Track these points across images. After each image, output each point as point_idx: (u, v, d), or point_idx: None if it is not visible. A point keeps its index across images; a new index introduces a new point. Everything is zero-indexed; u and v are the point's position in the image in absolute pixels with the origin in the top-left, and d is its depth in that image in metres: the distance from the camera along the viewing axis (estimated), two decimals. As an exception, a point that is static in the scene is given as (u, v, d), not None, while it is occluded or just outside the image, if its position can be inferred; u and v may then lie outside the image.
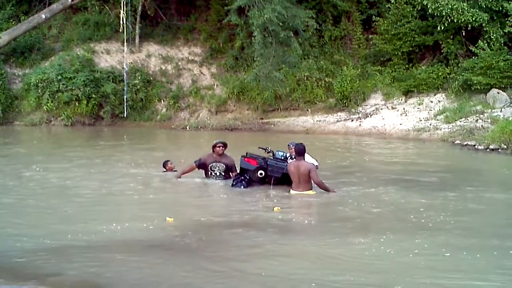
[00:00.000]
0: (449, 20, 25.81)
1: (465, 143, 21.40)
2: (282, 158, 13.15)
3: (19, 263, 7.77)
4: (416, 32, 27.94)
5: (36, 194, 12.52)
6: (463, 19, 25.60)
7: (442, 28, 26.37)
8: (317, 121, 27.49)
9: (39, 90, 29.24)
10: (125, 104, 29.51)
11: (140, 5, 31.61)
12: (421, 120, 25.17)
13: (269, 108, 28.72)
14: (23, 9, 34.35)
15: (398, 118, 25.95)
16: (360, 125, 26.44)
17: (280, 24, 25.22)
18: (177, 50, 32.41)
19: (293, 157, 12.98)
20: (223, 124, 28.49)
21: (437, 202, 11.72)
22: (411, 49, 28.22)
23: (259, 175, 12.87)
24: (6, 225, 9.78)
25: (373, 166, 17.21)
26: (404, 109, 26.35)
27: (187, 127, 28.54)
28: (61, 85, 28.97)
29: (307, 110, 28.21)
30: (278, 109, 28.73)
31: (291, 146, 13.59)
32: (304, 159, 12.39)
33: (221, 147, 13.37)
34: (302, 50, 27.57)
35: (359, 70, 28.29)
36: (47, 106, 29.12)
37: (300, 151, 12.34)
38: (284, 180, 12.76)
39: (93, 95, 29.21)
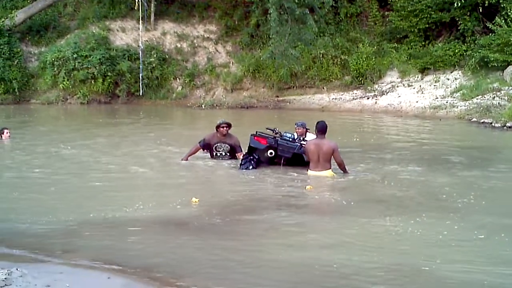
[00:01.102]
0: (466, -4, 25.67)
1: (482, 120, 21.31)
2: (290, 139, 12.59)
3: (48, 238, 7.87)
4: (433, 8, 27.68)
5: (56, 173, 12.50)
6: (480, -5, 25.45)
7: (459, 4, 26.14)
8: (332, 99, 27.44)
9: (55, 69, 29.36)
10: (140, 82, 29.56)
11: (156, -18, 31.53)
12: (437, 98, 25.04)
13: (284, 86, 28.66)
14: (39, -13, 34.32)
15: (414, 95, 25.84)
16: (376, 102, 26.37)
17: (296, 1, 25.10)
18: (192, 28, 32.33)
19: (301, 138, 12.76)
20: (239, 102, 28.49)
21: (463, 181, 11.53)
22: (427, 26, 28.01)
23: (269, 155, 12.56)
24: (43, 202, 9.94)
25: (393, 144, 17.08)
26: (420, 86, 26.23)
27: (203, 105, 28.57)
28: (76, 63, 29.06)
29: (323, 88, 28.14)
30: (293, 87, 28.65)
31: (299, 125, 13.38)
32: (324, 137, 11.72)
33: (225, 128, 13.12)
34: (317, 27, 27.40)
35: (375, 47, 28.11)
36: (63, 84, 29.23)
37: (322, 129, 11.70)
38: (293, 161, 12.47)
39: (109, 73, 29.28)
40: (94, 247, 7.51)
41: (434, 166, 13.16)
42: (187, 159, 13.29)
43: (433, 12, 27.66)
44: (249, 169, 12.35)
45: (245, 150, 12.97)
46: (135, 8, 30.30)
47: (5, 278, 5.89)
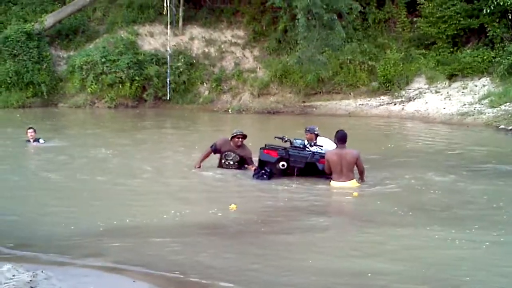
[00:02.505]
0: (495, 3, 25.51)
1: (510, 127, 21.15)
2: (301, 146, 12.23)
3: (82, 242, 7.90)
4: (461, 15, 27.56)
5: (85, 177, 12.54)
6: (509, 2, 25.31)
7: (488, 11, 26.04)
8: (359, 104, 27.38)
9: (83, 73, 29.56)
10: (168, 87, 29.72)
11: (184, -13, 31.69)
12: (465, 105, 24.84)
13: (311, 91, 28.60)
14: (68, -9, 34.64)
15: (441, 102, 25.68)
16: (403, 109, 26.27)
17: (324, 6, 25.06)
18: (220, 33, 32.44)
19: (312, 144, 12.43)
20: (265, 107, 28.47)
21: (499, 190, 11.33)
22: (456, 32, 27.86)
23: (281, 167, 12.06)
24: (71, 206, 10.01)
25: (424, 151, 16.96)
26: (448, 93, 26.06)
27: (229, 110, 28.64)
28: (105, 68, 29.24)
29: (350, 94, 28.06)
30: (320, 93, 28.57)
31: (307, 131, 13.05)
32: (345, 147, 11.41)
33: (240, 139, 12.75)
34: (345, 33, 27.27)
35: (402, 53, 27.99)
36: (91, 88, 29.43)
37: (343, 138, 11.41)
38: (307, 170, 12.07)
39: (137, 78, 29.43)
40: (121, 251, 7.55)
41: (468, 173, 13.01)
42: (200, 166, 12.99)
43: (461, 19, 27.53)
44: (263, 179, 11.98)
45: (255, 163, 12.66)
46: (164, 13, 30.52)
47: (30, 280, 5.94)
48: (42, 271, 6.19)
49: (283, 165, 12.03)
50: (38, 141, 16.49)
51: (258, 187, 11.58)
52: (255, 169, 12.29)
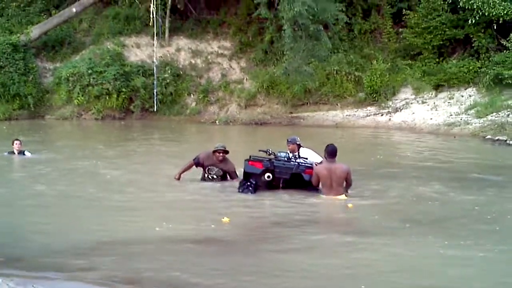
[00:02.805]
0: (480, 13, 25.76)
1: (496, 138, 21.30)
2: (286, 159, 11.86)
3: (73, 257, 7.80)
4: (447, 25, 27.82)
5: (76, 190, 12.44)
6: (494, 12, 25.54)
7: (473, 21, 26.28)
8: (346, 115, 27.47)
9: (70, 84, 29.47)
10: (155, 98, 29.70)
11: (170, -1, 31.73)
12: (451, 115, 25.00)
13: (298, 102, 28.66)
14: (54, 3, 34.64)
15: (428, 112, 25.82)
16: (390, 119, 26.39)
17: (310, 17, 25.22)
18: (206, 44, 32.46)
19: (296, 155, 12.07)
20: (253, 118, 28.50)
21: (491, 201, 11.37)
22: (441, 42, 28.09)
23: (266, 178, 11.75)
24: (73, 220, 9.94)
25: (413, 162, 16.99)
26: (434, 103, 26.21)
27: (217, 122, 28.63)
28: (91, 79, 29.17)
29: (337, 104, 28.13)
30: (307, 103, 28.63)
31: (289, 141, 12.63)
32: (335, 161, 11.24)
33: (221, 154, 12.46)
34: (331, 44, 27.45)
35: (389, 64, 28.13)
36: (78, 100, 29.35)
37: (333, 152, 11.24)
38: (292, 182, 11.79)
39: (123, 89, 29.37)
40: (111, 266, 7.46)
41: (457, 184, 13.04)
42: (179, 178, 12.74)
43: (447, 29, 27.76)
44: (247, 194, 11.65)
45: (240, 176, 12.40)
46: (150, 24, 30.48)
47: None
48: (32, 286, 6.21)
49: (268, 177, 11.75)
50: (24, 154, 16.34)
51: (247, 200, 11.38)
52: (240, 182, 12.00)
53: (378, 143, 21.95)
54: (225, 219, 9.53)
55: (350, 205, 10.75)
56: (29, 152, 16.56)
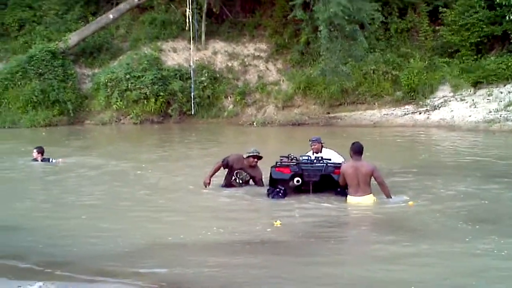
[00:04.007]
0: (518, 9, 25.47)
1: (537, 133, 21.08)
2: (308, 161, 11.55)
3: (117, 260, 7.81)
4: (484, 22, 27.55)
5: (121, 194, 12.56)
6: (532, 8, 25.25)
7: (511, 17, 25.95)
8: (384, 114, 27.36)
9: (108, 89, 29.88)
10: (192, 102, 29.92)
11: (206, 2, 32.03)
12: (490, 112, 24.74)
13: (335, 103, 28.63)
14: (91, 10, 35.22)
15: (467, 110, 25.58)
16: (428, 117, 26.21)
17: (346, 17, 25.09)
18: (242, 47, 32.66)
19: (320, 157, 11.71)
20: (290, 119, 28.54)
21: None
22: (479, 39, 27.83)
23: (295, 183, 11.29)
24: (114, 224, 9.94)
25: (460, 160, 16.62)
26: (473, 100, 25.94)
27: (254, 123, 28.74)
28: (129, 84, 29.53)
29: (374, 104, 28.04)
30: (344, 103, 28.60)
31: (313, 140, 12.54)
32: (361, 159, 10.74)
33: (255, 160, 12.16)
34: (368, 43, 27.39)
35: (426, 62, 27.98)
36: (116, 105, 29.70)
37: (359, 150, 10.75)
38: (322, 184, 11.40)
39: (161, 93, 29.65)
40: (158, 270, 7.43)
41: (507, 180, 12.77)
42: (210, 182, 12.19)
43: (484, 26, 27.50)
44: (279, 199, 11.25)
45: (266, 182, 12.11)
46: (186, 29, 30.78)
47: None
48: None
49: (297, 181, 11.31)
50: (49, 161, 16.48)
51: (287, 205, 11.01)
52: (268, 189, 11.63)
53: (419, 142, 21.75)
54: (277, 223, 9.36)
55: (411, 203, 10.49)
56: (53, 159, 16.65)
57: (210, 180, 12.23)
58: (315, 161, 11.56)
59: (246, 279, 6.98)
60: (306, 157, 11.77)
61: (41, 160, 16.43)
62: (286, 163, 11.50)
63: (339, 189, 11.20)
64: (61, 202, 11.87)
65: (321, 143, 12.57)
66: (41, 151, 16.49)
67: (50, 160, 16.52)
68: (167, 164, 16.93)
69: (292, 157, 11.74)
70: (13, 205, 11.50)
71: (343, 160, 12.02)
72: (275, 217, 9.73)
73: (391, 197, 10.74)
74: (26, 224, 9.93)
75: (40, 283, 6.25)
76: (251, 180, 12.43)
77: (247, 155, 12.15)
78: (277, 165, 11.51)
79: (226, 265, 7.55)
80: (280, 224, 9.35)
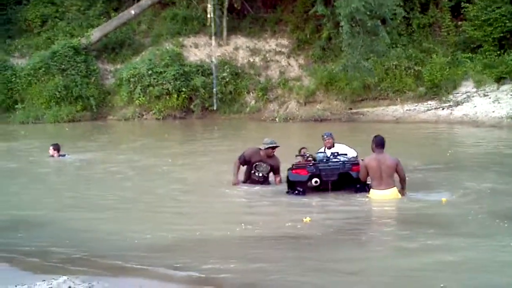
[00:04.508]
0: (542, 3, 25.29)
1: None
2: (324, 159, 11.44)
3: (156, 256, 7.86)
4: (507, 17, 27.31)
5: (152, 189, 12.67)
6: (556, 2, 25.05)
7: (535, 12, 25.83)
8: (407, 110, 27.26)
9: (131, 85, 29.97)
10: (214, 97, 30.00)
11: (227, -2, 31.95)
12: (514, 107, 24.65)
13: (357, 98, 28.54)
14: (113, 5, 35.38)
15: (490, 105, 25.43)
16: (451, 113, 26.07)
17: (368, 13, 24.99)
18: (264, 42, 32.65)
19: (335, 153, 11.67)
20: (312, 115, 28.48)
21: None
22: (502, 34, 27.60)
23: (314, 184, 11.27)
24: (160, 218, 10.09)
25: (489, 156, 16.48)
26: (496, 96, 25.77)
27: (276, 119, 28.74)
28: (152, 80, 29.61)
29: (397, 99, 27.93)
30: (367, 99, 28.51)
31: (328, 135, 12.63)
32: (383, 152, 10.68)
33: (274, 150, 12.12)
34: (390, 39, 27.21)
35: (449, 57, 27.80)
36: (139, 100, 29.80)
37: (381, 143, 10.70)
38: (340, 182, 11.35)
39: (183, 89, 29.71)
40: (172, 261, 7.51)
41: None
42: (238, 181, 12.27)
43: (507, 21, 27.27)
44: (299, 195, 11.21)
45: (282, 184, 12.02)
46: (208, 24, 30.95)
47: None
48: (97, 282, 6.29)
49: (316, 182, 11.27)
50: (64, 156, 16.68)
51: (321, 200, 11.06)
52: (286, 191, 11.52)
53: (443, 138, 21.72)
54: (307, 219, 9.35)
55: (444, 199, 10.40)
56: (69, 155, 16.86)
57: (237, 179, 12.28)
58: (331, 157, 11.52)
59: (278, 274, 6.99)
60: (322, 154, 11.69)
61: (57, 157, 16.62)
62: (303, 164, 11.45)
63: (358, 186, 11.16)
64: (87, 197, 12.06)
65: (333, 138, 12.66)
66: (57, 148, 16.65)
67: (66, 157, 16.73)
68: (192, 160, 17.07)
69: (307, 156, 11.82)
70: (40, 201, 11.66)
71: (356, 153, 12.09)
72: (304, 213, 9.74)
73: (405, 193, 10.79)
74: (52, 219, 10.10)
75: (65, 277, 6.30)
76: (270, 173, 12.40)
77: (266, 146, 12.13)
78: (294, 167, 11.46)
79: (257, 260, 7.57)
80: (310, 220, 9.36)
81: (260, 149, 12.24)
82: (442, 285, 6.41)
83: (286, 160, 12.22)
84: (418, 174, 13.10)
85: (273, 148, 12.12)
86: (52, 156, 16.54)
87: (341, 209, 10.41)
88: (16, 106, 30.05)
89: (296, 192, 11.27)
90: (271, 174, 12.42)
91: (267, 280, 6.82)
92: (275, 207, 10.95)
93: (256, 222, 9.56)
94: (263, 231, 9.00)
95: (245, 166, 12.44)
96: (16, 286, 6.35)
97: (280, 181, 12.23)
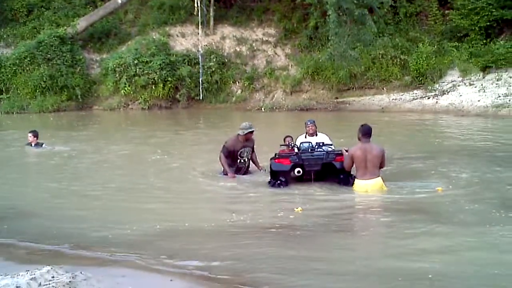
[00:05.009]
0: (529, -8, 25.32)
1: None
2: (309, 149, 11.39)
3: (142, 246, 7.87)
4: (494, 6, 27.33)
5: (140, 180, 12.61)
6: (542, -9, 25.08)
7: (521, 1, 25.86)
8: (392, 99, 27.28)
9: (117, 75, 29.85)
10: (200, 87, 29.93)
11: (214, -13, 31.85)
12: (499, 96, 24.63)
13: (344, 87, 28.54)
14: (100, -5, 35.04)
15: (476, 94, 25.47)
16: (437, 102, 26.10)
17: (355, 1, 25.05)
18: (251, 32, 32.58)
19: (320, 143, 11.63)
20: (298, 104, 28.51)
21: None
22: (488, 23, 27.63)
23: (296, 174, 11.17)
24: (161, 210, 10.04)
25: (475, 145, 16.41)
26: (482, 85, 25.81)
27: (262, 108, 28.74)
28: (137, 69, 29.49)
29: (383, 89, 27.96)
30: (353, 88, 28.50)
31: (309, 124, 12.55)
32: (369, 141, 10.55)
33: (252, 133, 12.13)
34: (377, 28, 27.30)
35: (435, 46, 27.82)
36: (125, 90, 29.70)
37: (368, 132, 10.55)
38: (324, 172, 11.22)
39: (169, 79, 29.62)
40: (159, 251, 7.54)
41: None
42: (233, 174, 12.09)
43: (494, 10, 27.29)
44: (281, 187, 11.11)
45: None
46: (195, 14, 30.78)
47: (70, 282, 5.95)
48: (81, 272, 6.21)
49: (298, 172, 11.18)
50: (41, 146, 16.47)
51: (310, 191, 10.99)
52: (269, 181, 11.44)
53: (429, 127, 21.63)
54: (298, 209, 9.36)
55: (439, 188, 10.37)
56: (46, 145, 16.65)
57: (232, 172, 12.13)
58: (316, 146, 11.50)
59: (268, 264, 7.03)
60: (307, 144, 11.66)
61: (34, 145, 16.45)
62: (286, 154, 11.41)
63: (341, 176, 11.09)
64: (72, 188, 11.95)
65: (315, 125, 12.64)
66: (36, 134, 16.54)
67: (43, 146, 16.55)
68: (178, 149, 17.01)
69: (292, 145, 11.82)
70: (24, 191, 11.60)
71: (333, 145, 11.97)
72: (295, 204, 9.80)
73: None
74: (37, 210, 10.09)
75: (48, 267, 6.25)
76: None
77: (246, 131, 12.03)
78: (276, 156, 11.41)
79: (247, 251, 7.60)
80: (302, 210, 9.38)
81: (239, 135, 12.14)
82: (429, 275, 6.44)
83: (271, 149, 12.13)
84: (410, 163, 13.11)
85: (252, 132, 12.11)
86: (31, 144, 16.41)
87: (331, 198, 10.40)
88: (1, 96, 29.87)
89: (278, 182, 11.19)
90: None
91: (257, 269, 6.85)
92: (266, 197, 10.89)
93: (246, 212, 9.55)
94: (254, 222, 9.00)
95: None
96: (-2, 275, 6.31)
97: (256, 157, 12.55)
